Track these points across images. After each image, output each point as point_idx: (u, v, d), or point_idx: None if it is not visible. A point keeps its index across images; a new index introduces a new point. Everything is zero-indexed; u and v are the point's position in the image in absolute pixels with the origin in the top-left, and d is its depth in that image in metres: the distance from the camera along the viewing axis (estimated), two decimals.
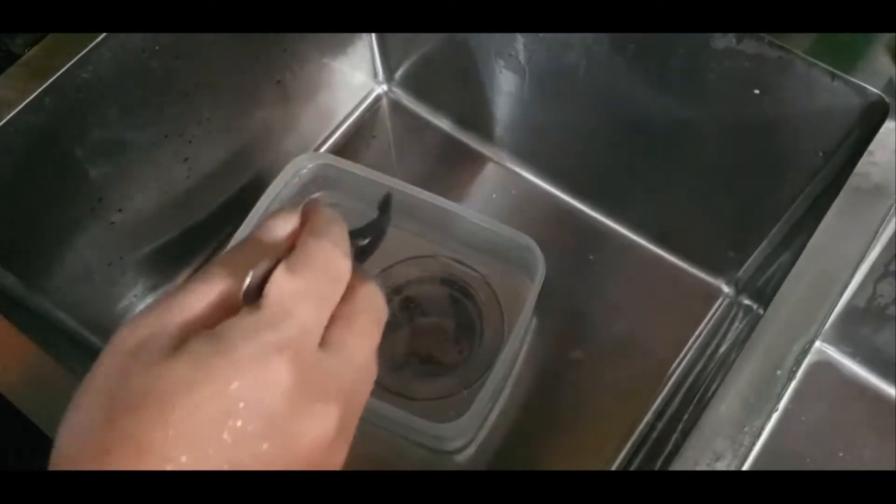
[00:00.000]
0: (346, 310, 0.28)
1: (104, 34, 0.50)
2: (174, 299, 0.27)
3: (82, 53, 0.49)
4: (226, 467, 0.24)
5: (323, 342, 0.27)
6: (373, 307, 0.29)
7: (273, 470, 0.25)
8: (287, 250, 0.28)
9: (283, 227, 0.30)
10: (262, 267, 0.27)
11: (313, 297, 0.27)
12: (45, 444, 0.40)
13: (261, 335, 0.25)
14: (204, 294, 0.27)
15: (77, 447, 0.25)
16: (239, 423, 0.24)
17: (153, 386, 0.24)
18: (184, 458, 0.24)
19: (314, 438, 0.26)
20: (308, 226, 0.29)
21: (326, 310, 0.27)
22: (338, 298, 0.28)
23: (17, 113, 0.48)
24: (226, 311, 0.26)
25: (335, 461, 0.28)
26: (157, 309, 0.26)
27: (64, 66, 0.49)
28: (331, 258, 0.28)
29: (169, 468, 0.23)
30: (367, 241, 0.33)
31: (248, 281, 0.27)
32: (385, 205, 0.35)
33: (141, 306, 0.66)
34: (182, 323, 0.26)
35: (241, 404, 0.24)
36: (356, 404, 0.28)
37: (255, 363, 0.25)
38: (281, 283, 0.26)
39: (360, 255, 0.32)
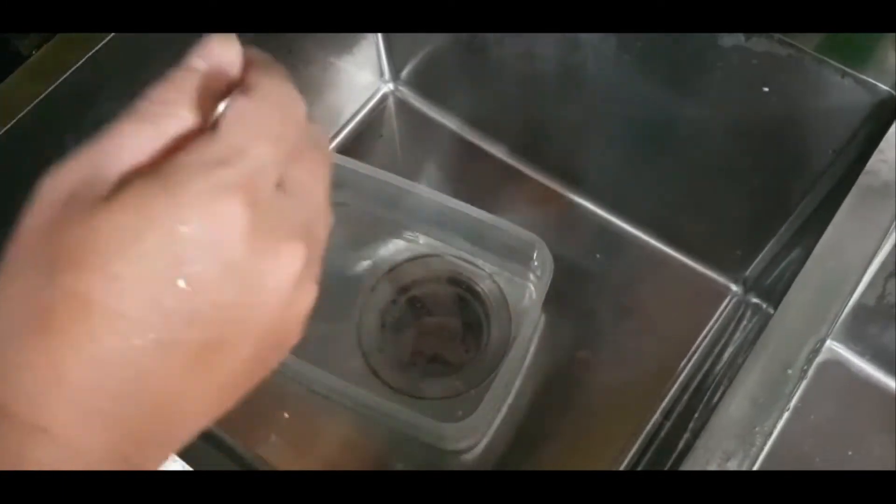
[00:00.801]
0: (297, 151, 0.25)
1: (111, 36, 0.50)
2: (111, 142, 0.23)
3: (90, 54, 0.49)
4: (184, 320, 0.22)
5: (277, 183, 0.24)
6: (321, 146, 0.27)
7: (237, 320, 0.23)
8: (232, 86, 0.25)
9: (227, 55, 0.25)
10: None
11: (271, 136, 0.24)
12: None
13: (213, 172, 0.22)
14: (140, 135, 0.23)
15: (16, 315, 0.22)
16: (195, 269, 0.22)
17: (93, 237, 0.21)
18: (136, 313, 0.21)
19: (280, 279, 0.24)
20: (255, 63, 0.26)
21: (283, 151, 0.24)
22: (293, 141, 0.25)
23: (26, 114, 0.48)
24: (172, 152, 0.23)
25: (304, 303, 0.25)
26: (91, 151, 0.24)
27: (72, 67, 0.49)
28: (289, 97, 0.25)
29: (122, 325, 0.21)
30: None
31: (216, 113, 0.24)
32: None
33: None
34: (122, 165, 0.23)
35: (195, 248, 0.22)
36: (318, 245, 0.26)
37: (207, 202, 0.22)
38: (238, 117, 0.23)
39: None
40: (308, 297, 0.25)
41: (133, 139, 0.23)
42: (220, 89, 0.25)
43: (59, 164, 0.23)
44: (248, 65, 0.26)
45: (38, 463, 0.22)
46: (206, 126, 0.24)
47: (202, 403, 0.25)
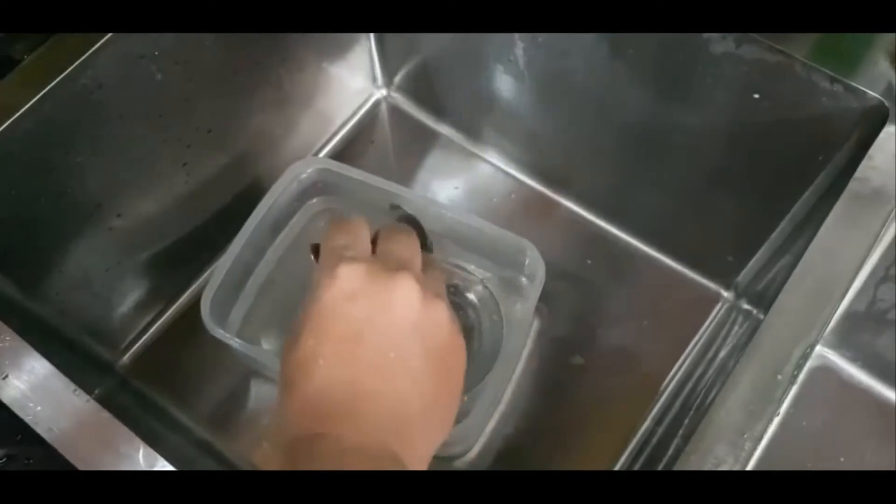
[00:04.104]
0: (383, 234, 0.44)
1: (103, 39, 0.50)
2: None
3: (82, 59, 0.49)
4: (392, 353, 0.35)
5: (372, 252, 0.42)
6: (407, 231, 0.45)
7: (400, 336, 0.36)
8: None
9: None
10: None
11: (410, 247, 0.42)
12: (43, 447, 0.40)
13: (387, 265, 0.38)
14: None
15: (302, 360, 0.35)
16: (344, 311, 0.36)
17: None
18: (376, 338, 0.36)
19: (406, 297, 0.37)
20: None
21: (417, 258, 0.42)
22: (371, 232, 0.43)
23: (17, 119, 0.48)
24: None
25: (440, 312, 0.38)
26: (341, 232, 0.42)
27: (63, 71, 0.49)
28: (409, 236, 0.44)
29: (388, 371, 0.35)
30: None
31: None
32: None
33: (140, 312, 0.65)
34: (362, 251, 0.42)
35: (340, 304, 0.36)
36: (419, 275, 0.39)
37: (332, 268, 0.37)
38: (384, 240, 0.42)
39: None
40: (440, 307, 0.38)
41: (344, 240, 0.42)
42: None
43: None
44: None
45: (324, 455, 0.32)
46: None
47: (413, 396, 0.36)
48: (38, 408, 0.41)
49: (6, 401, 0.41)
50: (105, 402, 0.42)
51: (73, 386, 0.42)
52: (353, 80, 0.75)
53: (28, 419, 0.40)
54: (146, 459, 0.39)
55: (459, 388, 0.39)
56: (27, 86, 0.48)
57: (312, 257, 0.44)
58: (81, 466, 0.39)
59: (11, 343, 0.43)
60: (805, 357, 0.39)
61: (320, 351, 0.35)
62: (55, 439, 0.40)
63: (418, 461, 0.35)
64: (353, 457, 0.32)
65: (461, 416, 0.59)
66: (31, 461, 0.45)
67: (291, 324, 0.37)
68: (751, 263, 0.64)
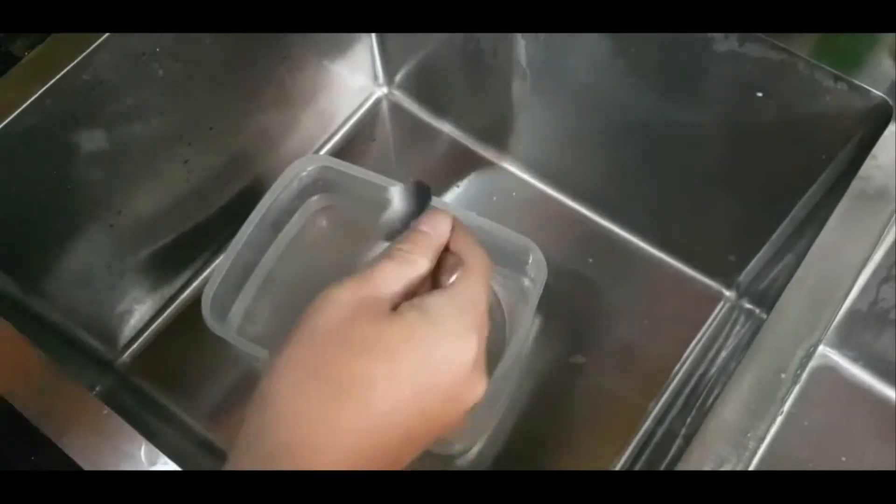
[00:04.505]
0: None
1: (104, 36, 0.50)
2: (380, 273, 0.34)
3: (82, 56, 0.49)
4: (418, 410, 0.32)
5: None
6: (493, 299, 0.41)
7: (438, 419, 0.33)
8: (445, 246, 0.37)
9: (444, 225, 0.37)
10: (450, 261, 0.37)
11: (485, 294, 0.36)
12: (43, 445, 0.40)
13: (463, 316, 0.34)
14: (400, 273, 0.35)
15: (314, 381, 0.31)
16: (437, 377, 0.32)
17: (383, 338, 0.32)
18: (401, 393, 0.31)
19: (474, 397, 0.34)
20: (464, 232, 0.38)
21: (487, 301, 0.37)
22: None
23: (18, 115, 0.47)
24: (415, 286, 0.35)
25: (479, 386, 0.35)
26: (368, 279, 0.34)
27: (64, 68, 0.49)
28: (489, 267, 0.37)
29: (386, 406, 0.31)
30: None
31: (443, 276, 0.36)
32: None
33: (140, 310, 0.65)
34: (391, 293, 0.34)
35: (442, 366, 0.32)
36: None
37: (458, 337, 0.33)
38: (470, 283, 0.35)
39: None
40: (482, 383, 0.35)
41: (393, 275, 0.34)
42: (438, 245, 0.37)
43: (339, 282, 0.34)
44: (454, 230, 0.38)
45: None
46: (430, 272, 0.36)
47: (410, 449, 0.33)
48: (40, 405, 0.41)
49: (8, 399, 0.41)
50: (106, 399, 0.42)
51: (74, 383, 0.42)
52: (354, 78, 0.75)
53: (29, 416, 0.40)
54: (148, 457, 0.39)
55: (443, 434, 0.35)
56: (28, 83, 0.48)
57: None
58: (84, 464, 0.39)
59: (12, 340, 0.43)
60: (808, 357, 0.39)
61: (395, 393, 0.32)
62: (57, 436, 0.40)
63: None
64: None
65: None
66: (34, 459, 0.45)
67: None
68: (753, 262, 0.64)
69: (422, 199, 0.41)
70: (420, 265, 0.35)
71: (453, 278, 0.36)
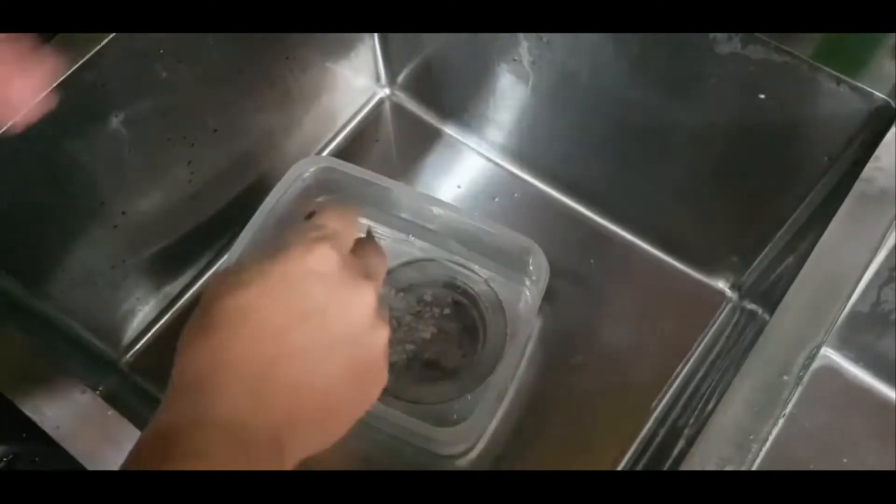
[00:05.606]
0: (362, 245, 0.40)
1: (108, 38, 0.50)
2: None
3: (86, 57, 0.49)
4: (296, 321, 0.33)
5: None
6: (381, 253, 0.42)
7: (331, 327, 0.34)
8: None
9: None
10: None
11: (342, 220, 0.38)
12: (48, 446, 0.40)
13: (306, 233, 0.36)
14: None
15: (191, 356, 0.33)
16: (302, 282, 0.34)
17: (245, 276, 0.34)
18: (275, 320, 0.33)
19: (363, 304, 0.35)
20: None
21: (351, 234, 0.39)
22: (356, 232, 0.40)
23: (22, 115, 0.47)
24: None
25: (382, 336, 0.36)
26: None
27: (68, 69, 0.49)
28: (347, 210, 0.40)
29: (270, 330, 0.33)
30: None
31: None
32: None
33: (143, 310, 0.65)
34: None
35: (300, 270, 0.34)
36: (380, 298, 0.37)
37: (305, 245, 0.35)
38: (322, 213, 0.38)
39: None
40: (383, 332, 0.36)
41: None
42: None
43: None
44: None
45: (211, 413, 0.31)
46: None
47: (322, 394, 0.34)
48: (43, 405, 0.41)
49: (11, 398, 0.41)
50: (109, 399, 0.42)
51: (77, 383, 0.42)
52: (357, 78, 0.75)
53: (33, 417, 0.40)
54: None
55: (364, 408, 0.37)
56: None
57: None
58: (87, 464, 0.39)
59: (16, 340, 0.43)
60: (811, 358, 0.39)
61: (263, 305, 0.33)
62: (61, 437, 0.40)
63: (292, 459, 0.33)
64: (235, 446, 0.30)
65: (465, 414, 0.59)
66: (38, 459, 0.45)
67: (237, 264, 0.36)
68: (755, 264, 0.64)
69: None
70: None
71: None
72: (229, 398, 0.31)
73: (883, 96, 0.48)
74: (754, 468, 0.38)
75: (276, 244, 0.36)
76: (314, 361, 0.33)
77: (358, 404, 0.36)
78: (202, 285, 0.69)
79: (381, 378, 0.37)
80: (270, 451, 0.31)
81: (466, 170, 0.74)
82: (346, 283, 0.35)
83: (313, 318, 0.34)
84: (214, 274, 0.37)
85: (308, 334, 0.33)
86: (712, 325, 0.66)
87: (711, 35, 0.51)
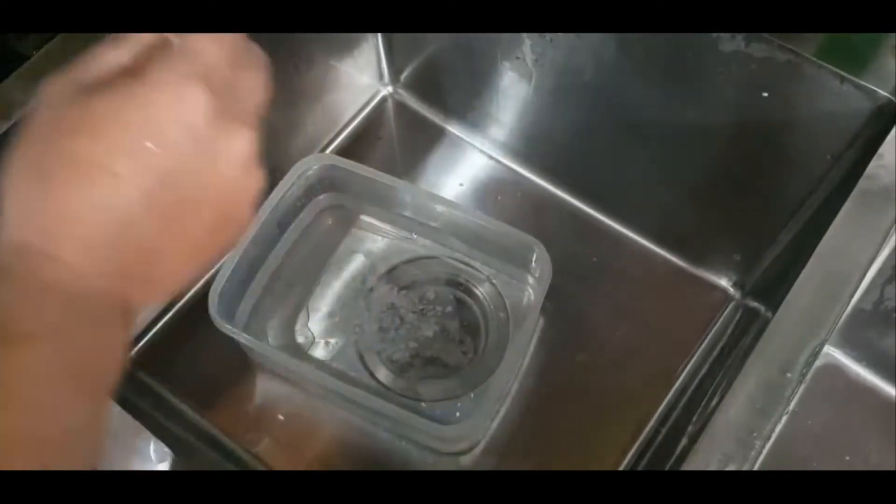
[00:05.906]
0: (242, 62, 0.33)
1: (111, 38, 0.50)
2: (91, 55, 0.31)
3: None
4: (158, 179, 0.28)
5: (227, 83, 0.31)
6: (259, 61, 0.35)
7: (200, 186, 0.30)
8: None
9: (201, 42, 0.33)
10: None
11: (219, 44, 0.32)
12: None
13: (176, 65, 0.30)
14: (116, 49, 0.31)
15: (32, 174, 0.28)
16: (166, 138, 0.29)
17: (87, 114, 0.28)
18: (119, 168, 0.28)
19: (235, 154, 0.31)
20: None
21: (228, 56, 0.32)
22: (236, 52, 0.33)
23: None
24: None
25: (253, 182, 0.32)
26: (77, 63, 0.30)
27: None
28: (259, 71, 0.34)
29: (110, 179, 0.28)
30: None
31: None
32: None
33: (144, 308, 0.66)
34: (104, 72, 0.30)
35: (165, 119, 0.29)
36: (257, 140, 0.32)
37: (174, 85, 0.29)
38: (193, 36, 0.31)
39: None
40: (257, 178, 0.32)
41: (109, 54, 0.30)
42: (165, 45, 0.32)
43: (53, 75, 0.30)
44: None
45: (48, 283, 0.28)
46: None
47: (179, 256, 0.31)
48: None
49: None
50: (113, 396, 0.42)
51: None
52: (360, 77, 0.75)
53: None
54: (157, 454, 0.39)
55: (220, 258, 0.34)
56: (37, 81, 0.48)
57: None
58: None
59: None
60: (814, 356, 0.39)
61: (119, 162, 0.28)
62: None
63: (156, 292, 0.31)
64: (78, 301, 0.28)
65: (467, 412, 0.59)
66: None
67: (84, 69, 0.30)
68: (758, 262, 0.64)
69: None
70: (140, 41, 0.31)
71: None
72: (72, 264, 0.28)
73: (886, 94, 0.48)
74: (757, 466, 0.38)
75: (132, 47, 0.31)
76: (175, 225, 0.30)
77: (215, 254, 0.33)
78: (206, 282, 0.69)
79: (243, 227, 0.34)
80: (114, 317, 0.29)
81: (469, 167, 0.74)
82: (218, 134, 0.30)
83: (176, 177, 0.29)
84: (54, 80, 0.30)
85: (169, 197, 0.29)
86: (715, 323, 0.66)
87: (714, 33, 0.51)
